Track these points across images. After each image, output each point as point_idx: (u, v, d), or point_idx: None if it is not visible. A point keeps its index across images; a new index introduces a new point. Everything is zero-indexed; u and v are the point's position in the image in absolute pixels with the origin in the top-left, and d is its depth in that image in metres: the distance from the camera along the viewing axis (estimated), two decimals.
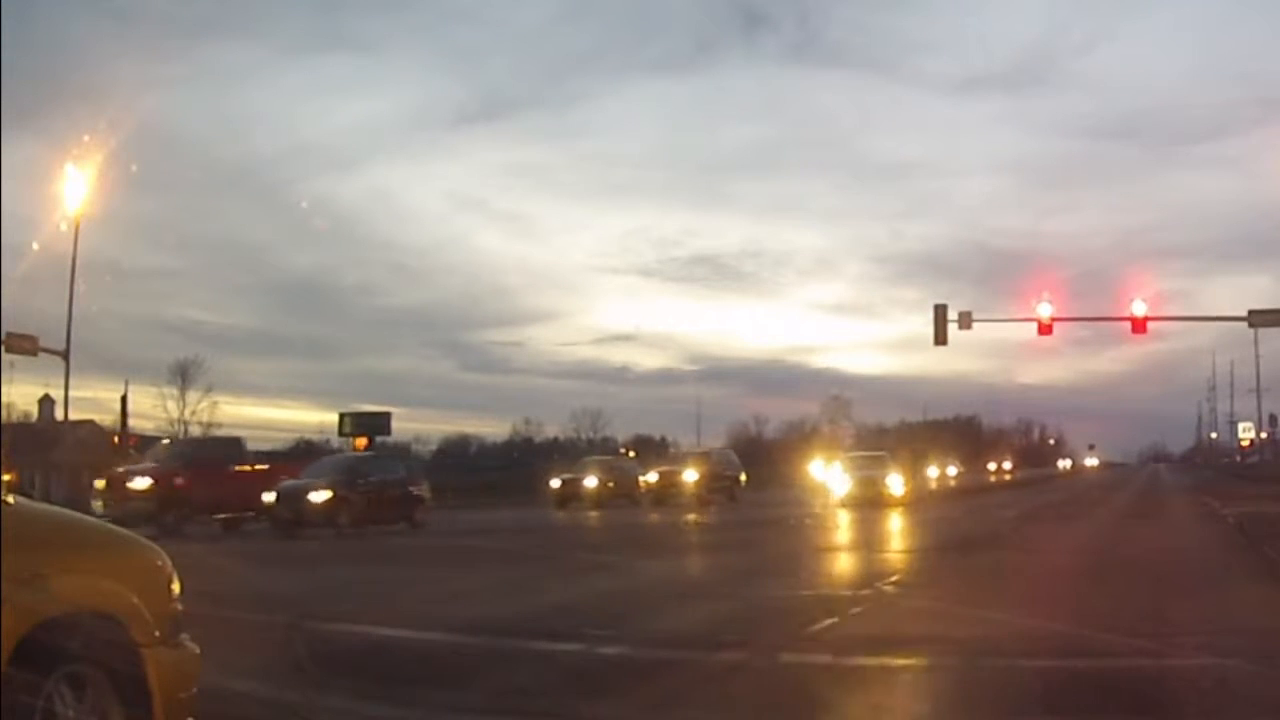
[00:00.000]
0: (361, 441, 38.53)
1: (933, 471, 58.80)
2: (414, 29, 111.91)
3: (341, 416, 41.37)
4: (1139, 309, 31.17)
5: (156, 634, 4.15)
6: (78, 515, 4.50)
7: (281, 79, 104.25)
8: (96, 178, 23.21)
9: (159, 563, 4.41)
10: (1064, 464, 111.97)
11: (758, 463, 58.01)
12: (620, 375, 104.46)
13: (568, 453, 77.47)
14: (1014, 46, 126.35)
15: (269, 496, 23.10)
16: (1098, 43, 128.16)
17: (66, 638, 3.82)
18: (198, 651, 4.40)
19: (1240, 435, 72.45)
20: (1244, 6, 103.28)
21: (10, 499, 4.06)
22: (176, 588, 4.41)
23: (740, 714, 6.40)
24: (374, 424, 40.18)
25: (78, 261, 23.29)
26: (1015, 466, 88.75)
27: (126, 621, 4.06)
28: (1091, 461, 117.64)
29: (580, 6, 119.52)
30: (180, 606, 4.41)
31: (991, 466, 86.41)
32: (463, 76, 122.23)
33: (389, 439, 50.62)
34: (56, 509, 4.45)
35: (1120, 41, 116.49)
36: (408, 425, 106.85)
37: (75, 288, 23.02)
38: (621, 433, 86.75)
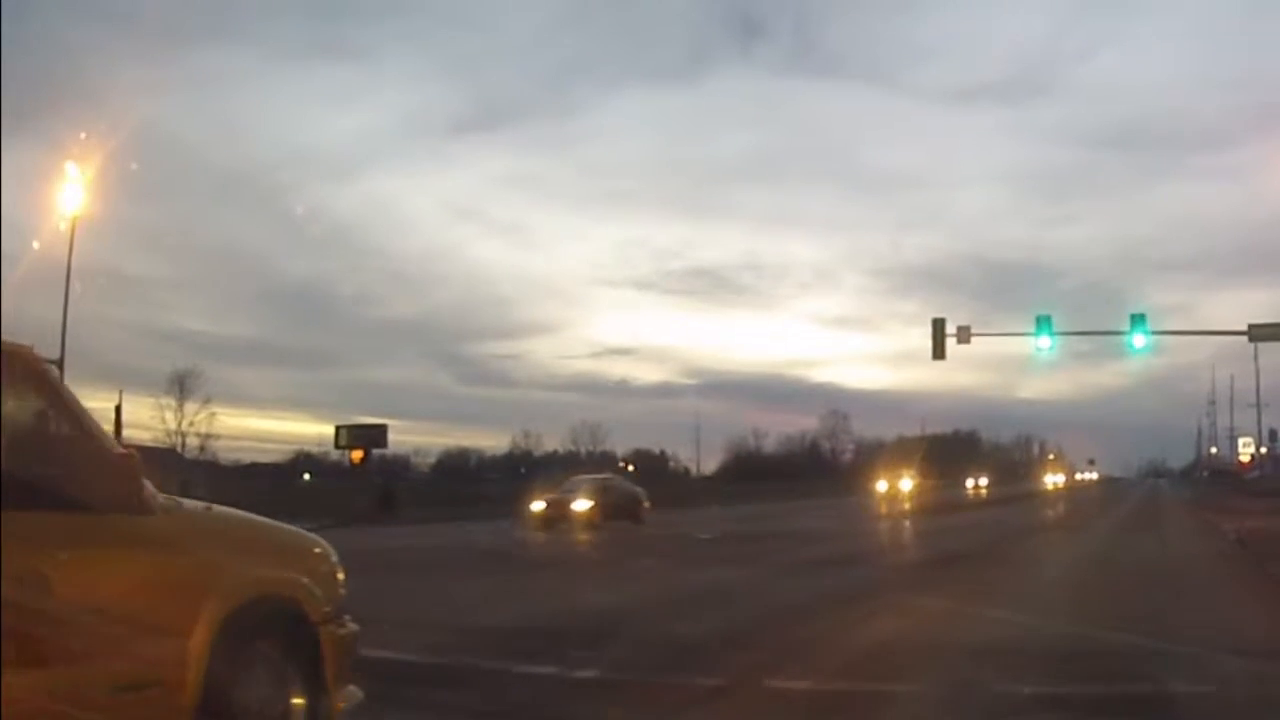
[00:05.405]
0: (358, 454, 38.34)
1: None
2: (411, 37, 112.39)
3: (338, 429, 41.12)
4: (1139, 324, 31.03)
5: (327, 613, 4.91)
6: (263, 518, 5.12)
7: (279, 87, 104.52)
8: (93, 185, 22.98)
9: (327, 555, 5.15)
10: (1053, 479, 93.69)
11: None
12: (619, 389, 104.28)
13: (568, 466, 77.32)
14: (1012, 57, 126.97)
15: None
16: (1096, 53, 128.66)
17: (258, 617, 4.57)
18: (357, 629, 5.14)
19: (1240, 451, 72.03)
20: (1244, 17, 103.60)
21: (210, 506, 4.76)
22: (341, 575, 5.14)
23: None
24: (370, 436, 39.98)
25: (75, 270, 23.04)
26: (920, 485, 65.19)
27: (304, 604, 4.82)
28: (1090, 475, 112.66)
29: (576, 16, 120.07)
30: (344, 591, 5.12)
31: (881, 486, 61.70)
32: (459, 85, 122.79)
33: (386, 451, 50.85)
34: (246, 514, 5.05)
35: (1119, 51, 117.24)
36: (407, 438, 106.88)
37: (70, 295, 22.76)
38: (621, 446, 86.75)
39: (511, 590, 14.31)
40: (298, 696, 4.72)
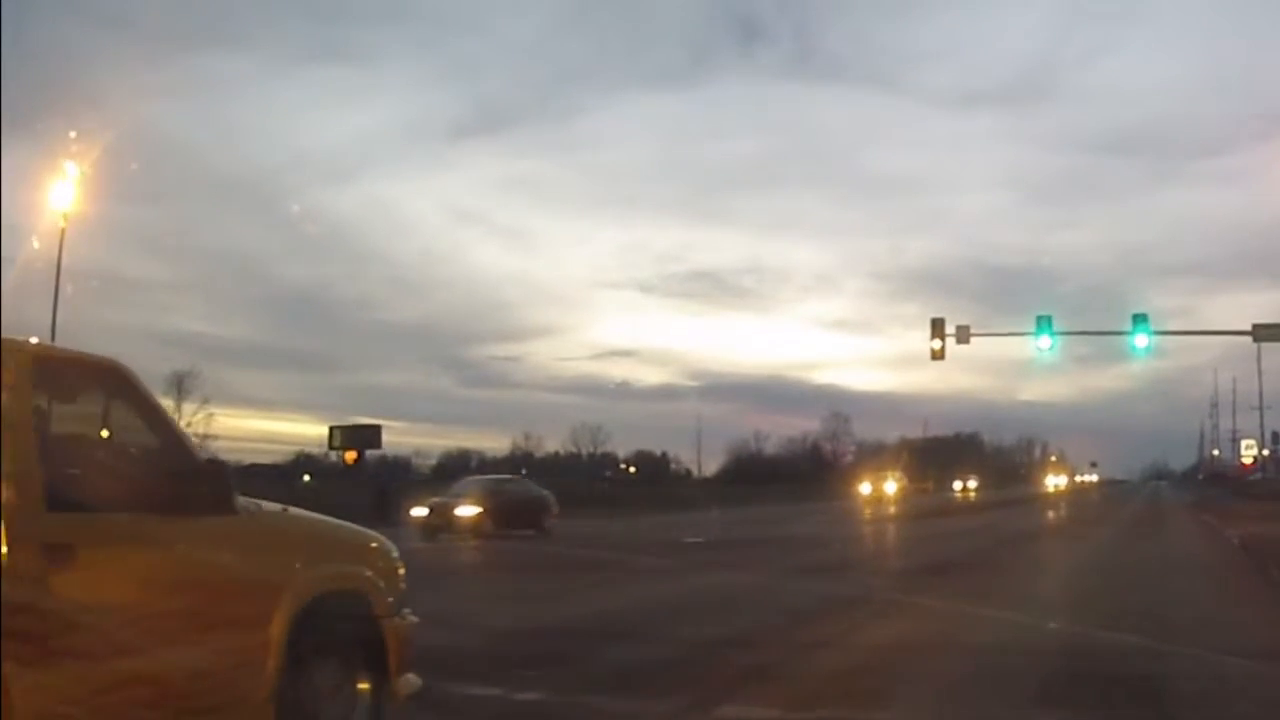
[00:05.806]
0: (351, 455, 37.95)
1: None
2: (411, 41, 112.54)
3: (331, 429, 40.59)
4: (1141, 324, 30.77)
5: (390, 605, 5.31)
6: (333, 519, 5.45)
7: (279, 90, 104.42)
8: (93, 187, 22.80)
9: (389, 552, 5.50)
10: (1055, 482, 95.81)
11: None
12: (620, 391, 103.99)
13: (569, 468, 76.98)
14: (1014, 61, 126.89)
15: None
16: (1099, 57, 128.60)
17: (329, 610, 4.91)
18: (416, 621, 5.52)
19: (1243, 454, 71.72)
20: (1246, 22, 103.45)
21: (286, 508, 5.13)
22: (402, 571, 5.53)
23: None
24: (364, 437, 39.50)
25: (73, 271, 22.86)
26: (905, 488, 63.10)
27: (370, 597, 5.22)
28: (1091, 478, 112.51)
29: (577, 19, 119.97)
30: (404, 586, 5.49)
31: (865, 489, 59.77)
32: (460, 89, 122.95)
33: (387, 452, 50.41)
34: (319, 515, 5.37)
35: (1121, 56, 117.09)
36: (408, 440, 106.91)
37: (61, 296, 22.54)
38: (622, 448, 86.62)
39: None
40: (363, 682, 5.15)
